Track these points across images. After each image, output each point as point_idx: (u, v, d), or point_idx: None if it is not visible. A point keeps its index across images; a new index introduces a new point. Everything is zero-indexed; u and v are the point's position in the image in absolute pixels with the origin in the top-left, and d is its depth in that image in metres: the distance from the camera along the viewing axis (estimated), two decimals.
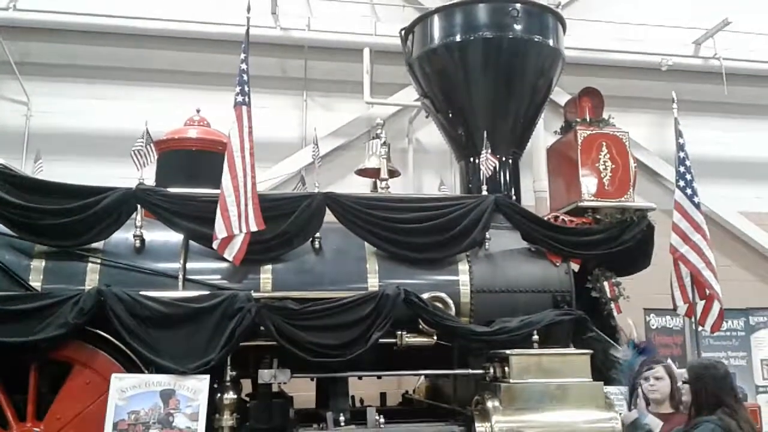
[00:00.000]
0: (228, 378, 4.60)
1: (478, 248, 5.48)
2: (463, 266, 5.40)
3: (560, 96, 7.82)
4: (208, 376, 4.41)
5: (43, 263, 4.77)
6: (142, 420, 4.20)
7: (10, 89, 8.70)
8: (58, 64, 8.92)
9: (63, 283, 4.69)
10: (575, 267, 5.86)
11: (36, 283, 4.68)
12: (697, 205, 5.73)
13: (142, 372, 4.43)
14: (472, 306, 5.28)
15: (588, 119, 6.13)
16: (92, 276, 4.77)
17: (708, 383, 4.14)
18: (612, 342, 5.48)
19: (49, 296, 4.46)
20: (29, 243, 4.80)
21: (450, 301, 5.14)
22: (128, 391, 4.26)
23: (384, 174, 5.99)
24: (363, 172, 6.46)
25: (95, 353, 4.46)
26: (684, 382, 4.53)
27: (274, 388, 4.89)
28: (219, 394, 4.54)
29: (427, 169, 9.20)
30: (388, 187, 5.92)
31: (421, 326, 5.03)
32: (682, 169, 5.80)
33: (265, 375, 4.67)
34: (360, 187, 6.66)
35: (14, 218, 4.71)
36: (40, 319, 4.34)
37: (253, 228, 4.79)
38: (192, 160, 5.74)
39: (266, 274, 5.06)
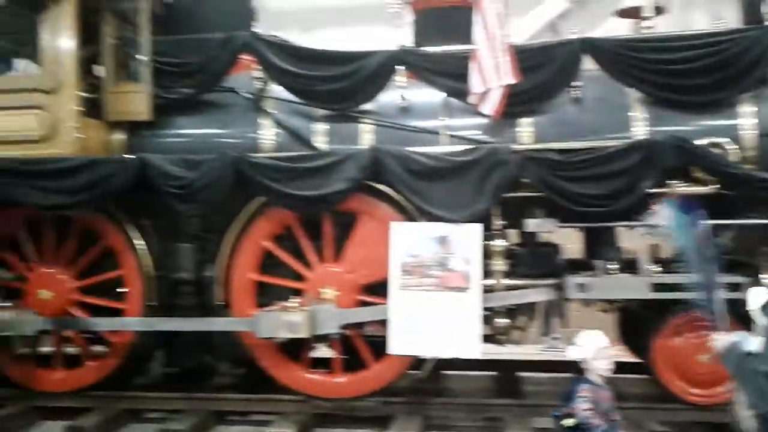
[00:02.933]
0: (496, 226, 4.84)
1: (763, 87, 4.88)
2: (745, 108, 4.86)
3: None
4: (480, 225, 4.68)
5: (325, 126, 5.27)
6: (423, 263, 4.65)
7: None
8: None
9: (342, 143, 5.17)
10: None
11: (320, 144, 5.21)
12: None
13: (415, 221, 4.84)
14: (759, 151, 4.79)
15: None
16: (366, 136, 5.19)
17: None
18: None
19: (333, 155, 4.96)
20: (310, 108, 5.31)
21: (731, 147, 4.73)
22: (409, 237, 4.71)
23: (648, 11, 5.46)
24: (623, 13, 5.94)
25: (377, 204, 4.96)
26: None
27: (542, 238, 5.02)
28: (489, 242, 4.81)
29: (697, 4, 8.14)
30: (653, 27, 5.41)
31: (695, 175, 4.72)
32: None
33: (530, 224, 4.82)
34: (620, 30, 6.16)
35: (296, 86, 5.22)
36: (327, 175, 4.87)
37: (508, 80, 4.76)
38: (445, 18, 5.74)
39: (525, 127, 5.05)
